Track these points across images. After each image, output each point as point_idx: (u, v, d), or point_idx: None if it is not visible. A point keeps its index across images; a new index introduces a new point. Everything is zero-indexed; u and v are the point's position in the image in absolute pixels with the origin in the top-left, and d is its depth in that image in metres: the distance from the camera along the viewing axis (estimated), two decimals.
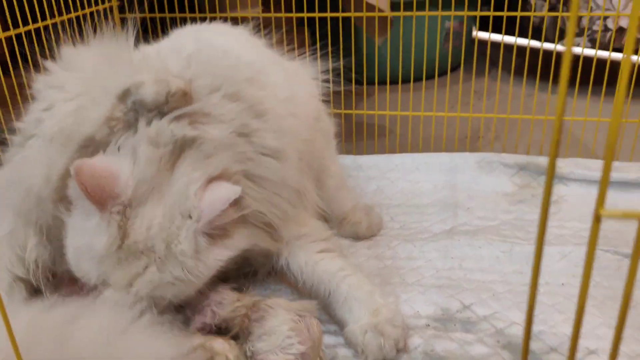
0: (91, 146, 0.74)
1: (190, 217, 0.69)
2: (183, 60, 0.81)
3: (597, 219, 0.32)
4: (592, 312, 0.83)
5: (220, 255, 0.73)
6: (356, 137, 1.38)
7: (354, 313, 0.80)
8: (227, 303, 0.78)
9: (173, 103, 0.72)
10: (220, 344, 0.71)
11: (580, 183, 1.14)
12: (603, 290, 0.88)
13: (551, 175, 0.34)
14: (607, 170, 0.32)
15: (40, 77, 0.85)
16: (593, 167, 1.15)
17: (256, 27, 1.00)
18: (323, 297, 0.84)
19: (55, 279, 0.85)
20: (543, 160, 1.20)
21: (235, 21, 1.11)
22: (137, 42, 0.88)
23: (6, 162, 0.88)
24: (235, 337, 0.76)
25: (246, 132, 0.80)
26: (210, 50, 0.87)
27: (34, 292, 0.85)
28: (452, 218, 1.11)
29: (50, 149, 0.77)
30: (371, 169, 1.28)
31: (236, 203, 0.73)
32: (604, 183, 0.32)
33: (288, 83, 0.92)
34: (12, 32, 1.06)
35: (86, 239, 0.70)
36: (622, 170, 1.14)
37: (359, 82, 1.32)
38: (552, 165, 0.33)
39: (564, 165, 1.17)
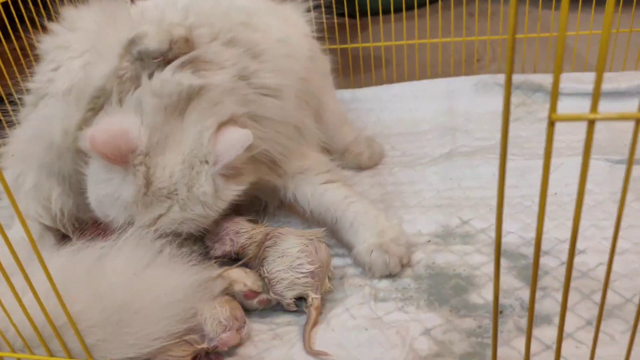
0: (102, 96, 0.78)
1: (207, 162, 0.76)
2: (180, 12, 0.85)
3: (551, 124, 0.36)
4: (583, 216, 0.88)
5: (233, 191, 0.80)
6: (353, 70, 1.40)
7: (360, 235, 0.86)
8: (244, 232, 0.85)
9: (176, 50, 0.76)
10: (237, 273, 0.78)
11: (574, 97, 1.17)
12: (594, 195, 0.93)
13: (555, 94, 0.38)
14: (598, 81, 0.36)
15: (45, 38, 0.89)
16: (586, 80, 1.18)
17: None
18: (331, 224, 0.90)
19: (80, 225, 0.92)
20: (537, 78, 1.22)
21: None
22: None
23: (22, 120, 0.93)
24: (250, 266, 0.83)
25: (246, 74, 0.85)
26: (204, 0, 0.90)
27: (62, 238, 0.92)
28: (450, 141, 1.15)
29: (65, 104, 0.82)
30: (370, 101, 1.32)
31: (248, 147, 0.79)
32: (555, 89, 0.36)
33: (281, 24, 0.95)
34: None
35: (111, 189, 0.76)
36: (614, 80, 1.17)
37: (351, 15, 1.33)
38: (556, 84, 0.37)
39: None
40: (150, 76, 0.77)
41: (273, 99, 0.88)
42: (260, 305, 0.78)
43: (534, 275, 0.45)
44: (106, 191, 0.76)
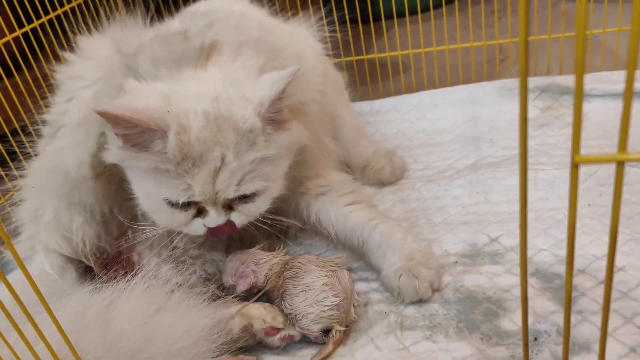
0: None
1: (250, 101, 0.71)
2: (202, 18, 0.83)
3: (574, 166, 0.33)
4: (620, 229, 0.83)
5: (285, 140, 0.75)
6: (371, 80, 1.37)
7: (388, 259, 0.83)
8: (264, 262, 0.83)
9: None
10: (257, 309, 0.76)
11: (604, 98, 1.11)
12: (632, 206, 0.88)
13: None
14: (625, 119, 0.32)
15: (60, 67, 0.89)
16: (616, 79, 1.12)
17: None
18: (357, 247, 0.87)
19: (102, 255, 0.91)
20: (564, 80, 1.17)
21: None
22: (151, 19, 0.91)
23: (40, 152, 0.93)
24: (270, 298, 0.81)
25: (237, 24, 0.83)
26: (222, 14, 0.88)
27: (85, 270, 0.91)
28: (474, 152, 1.10)
29: (77, 133, 0.82)
30: (389, 112, 1.28)
31: (288, 90, 0.73)
32: (577, 128, 0.32)
33: (293, 42, 0.93)
34: (18, 32, 1.08)
35: (156, 162, 0.69)
36: None
37: (365, 21, 1.29)
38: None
39: (585, 81, 1.14)
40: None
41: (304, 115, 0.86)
42: (282, 342, 0.75)
43: (567, 300, 0.41)
44: (151, 166, 0.70)
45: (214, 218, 0.73)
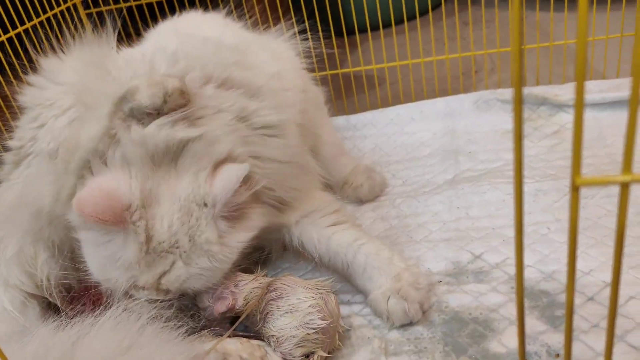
0: (95, 159, 0.72)
1: (205, 205, 0.70)
2: (169, 57, 0.79)
3: (575, 189, 0.30)
4: (605, 242, 0.82)
5: (242, 238, 0.74)
6: (346, 94, 1.34)
7: (375, 281, 0.79)
8: (244, 284, 0.79)
9: (171, 103, 0.70)
10: (232, 344, 0.71)
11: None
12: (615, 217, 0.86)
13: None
14: (630, 139, 0.29)
15: (25, 90, 0.84)
16: (593, 89, 1.11)
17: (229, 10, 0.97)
18: (342, 270, 0.84)
19: (68, 292, 0.86)
20: (541, 90, 1.16)
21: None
22: (119, 38, 0.86)
23: (3, 180, 0.87)
24: (251, 322, 0.77)
25: (245, 114, 0.79)
26: (193, 42, 0.84)
27: (48, 305, 0.85)
28: (453, 166, 1.08)
29: (54, 166, 0.76)
30: (366, 127, 1.25)
31: (247, 181, 0.73)
32: (577, 149, 0.30)
33: (273, 59, 0.89)
34: None
35: (111, 250, 0.70)
36: (622, 87, 1.10)
37: (339, 34, 1.27)
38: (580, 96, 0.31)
39: (562, 92, 1.13)
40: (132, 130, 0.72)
41: (276, 138, 0.82)
42: None
43: (567, 332, 0.38)
44: (106, 253, 0.70)
45: (148, 294, 0.72)
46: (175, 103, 0.70)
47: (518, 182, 0.32)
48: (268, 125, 0.81)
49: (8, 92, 1.09)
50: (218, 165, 0.72)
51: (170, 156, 0.72)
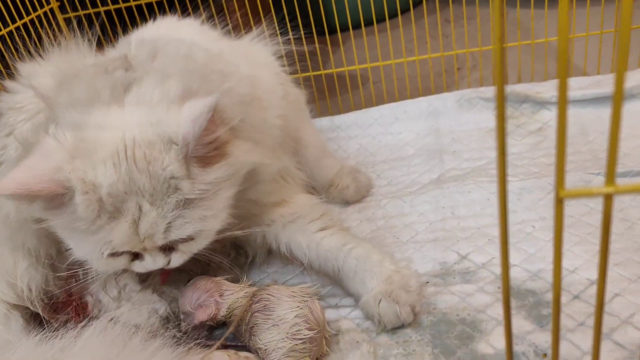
0: None
1: (174, 142, 0.64)
2: (147, 50, 0.76)
3: (559, 201, 0.30)
4: (589, 239, 0.82)
5: (220, 174, 0.68)
6: (329, 95, 1.34)
7: (367, 284, 0.79)
8: (229, 293, 0.78)
9: None
10: (220, 357, 0.71)
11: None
12: (599, 215, 0.87)
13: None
14: (613, 148, 0.30)
15: (2, 96, 0.82)
16: (574, 87, 1.12)
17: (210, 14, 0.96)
18: (333, 275, 0.83)
19: (50, 300, 0.84)
20: (522, 88, 1.16)
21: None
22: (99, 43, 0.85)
23: None
24: (237, 334, 0.76)
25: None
26: (170, 44, 0.80)
27: (32, 316, 0.84)
28: (438, 165, 1.08)
29: None
30: (350, 127, 1.25)
31: (219, 117, 0.67)
32: (560, 161, 0.29)
33: (248, 65, 0.88)
34: None
35: (71, 219, 0.65)
36: (603, 83, 1.11)
37: (321, 34, 1.27)
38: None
39: (544, 89, 1.14)
40: None
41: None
42: None
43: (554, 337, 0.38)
44: (73, 226, 0.65)
45: (150, 262, 0.69)
46: None
47: (502, 179, 0.32)
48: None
49: None
50: (180, 101, 0.66)
51: (114, 96, 0.67)
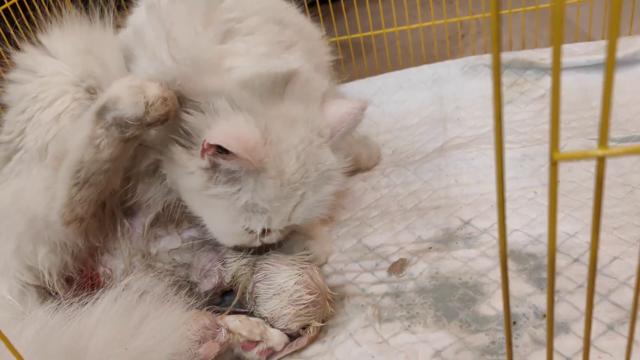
0: (82, 169, 0.70)
1: (321, 135, 0.72)
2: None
3: (553, 164, 0.31)
4: (589, 204, 0.83)
5: (344, 163, 0.77)
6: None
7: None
8: (231, 262, 0.80)
9: (153, 113, 0.67)
10: (232, 323, 0.73)
11: (567, 71, 1.10)
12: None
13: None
14: (605, 113, 0.31)
15: (7, 89, 0.82)
16: (579, 52, 1.12)
17: None
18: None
19: (70, 284, 0.86)
20: (527, 54, 1.16)
21: None
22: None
23: None
24: (242, 304, 0.79)
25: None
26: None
27: (48, 293, 0.85)
28: (442, 134, 1.09)
29: (44, 172, 0.75)
30: (354, 96, 1.25)
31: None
32: (555, 123, 0.31)
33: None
34: None
35: (245, 199, 0.70)
36: (622, 47, 1.08)
37: (323, 2, 1.26)
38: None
39: (548, 55, 1.13)
40: (127, 140, 0.70)
41: None
42: (261, 356, 0.73)
43: (549, 296, 0.40)
44: (240, 203, 0.70)
45: (273, 237, 0.76)
46: (157, 113, 0.67)
47: (499, 140, 0.33)
48: (321, 68, 0.83)
49: None
50: (324, 98, 0.75)
51: (277, 91, 0.72)
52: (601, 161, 0.31)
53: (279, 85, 0.72)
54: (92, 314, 0.63)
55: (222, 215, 0.73)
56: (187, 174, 0.71)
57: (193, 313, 0.71)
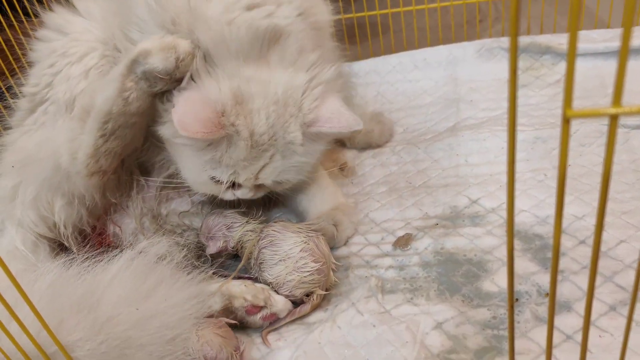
0: (110, 121, 0.72)
1: (300, 110, 0.73)
2: None
3: (566, 121, 0.31)
4: (599, 188, 0.83)
5: (321, 149, 0.79)
6: (349, 41, 1.33)
7: (318, 205, 0.88)
8: (237, 226, 0.82)
9: (183, 68, 0.70)
10: (237, 287, 0.74)
11: (584, 57, 1.09)
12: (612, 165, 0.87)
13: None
14: (621, 70, 0.30)
15: (36, 45, 0.84)
16: (597, 39, 1.10)
17: None
18: (293, 193, 0.89)
19: (83, 237, 0.87)
20: (544, 39, 1.15)
21: None
22: None
23: (16, 126, 0.87)
24: (248, 269, 0.80)
25: (302, 11, 0.80)
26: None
27: (58, 247, 0.87)
28: (455, 114, 1.09)
29: (70, 123, 0.77)
30: (369, 74, 1.25)
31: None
32: (569, 81, 0.31)
33: None
34: None
35: (213, 154, 0.72)
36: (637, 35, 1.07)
37: None
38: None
39: (566, 40, 1.12)
40: (160, 95, 0.73)
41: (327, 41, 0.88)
42: (264, 321, 0.74)
43: (553, 270, 0.40)
44: (208, 157, 0.73)
45: (245, 193, 0.79)
46: (186, 68, 0.70)
47: (512, 113, 0.33)
48: (320, 27, 0.83)
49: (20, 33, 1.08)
50: (328, 92, 0.75)
51: (260, 50, 0.72)
52: (614, 119, 0.31)
53: (262, 44, 0.72)
54: (107, 271, 0.64)
55: (191, 162, 0.76)
56: (161, 123, 0.75)
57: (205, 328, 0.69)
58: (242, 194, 0.79)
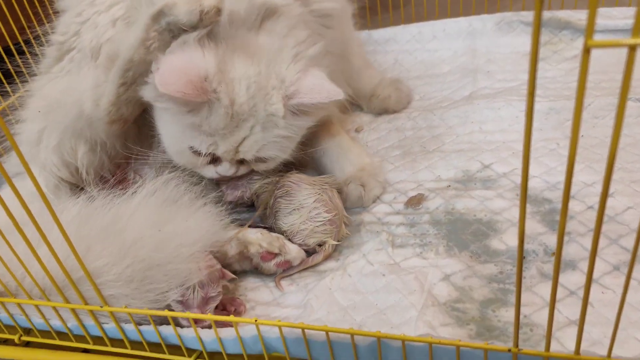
0: (132, 69, 0.73)
1: (283, 82, 0.73)
2: None
3: (586, 51, 0.33)
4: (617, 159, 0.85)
5: (303, 124, 0.78)
6: (370, 11, 1.34)
7: (344, 169, 0.89)
8: (257, 179, 0.84)
9: (206, 21, 0.70)
10: (253, 234, 0.77)
11: (603, 34, 1.10)
12: (624, 137, 0.89)
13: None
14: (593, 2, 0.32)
15: None
16: (617, 15, 1.11)
17: None
18: (317, 157, 0.91)
19: (103, 182, 0.90)
20: (564, 14, 1.15)
21: None
22: None
23: (43, 73, 0.90)
24: (263, 219, 0.82)
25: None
26: None
27: (78, 190, 0.90)
28: (471, 83, 1.10)
29: (95, 70, 0.78)
30: (388, 42, 1.27)
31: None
32: (592, 11, 0.32)
33: None
34: None
35: (193, 119, 0.72)
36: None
37: None
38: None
39: (585, 16, 1.13)
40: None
41: (330, 30, 0.88)
42: (278, 268, 0.77)
43: (561, 224, 0.42)
44: (188, 122, 0.72)
45: (226, 169, 0.78)
46: (210, 21, 0.70)
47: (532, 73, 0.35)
48: (323, 12, 0.84)
49: None
50: (310, 64, 0.76)
51: (250, 25, 0.74)
52: (632, 50, 0.32)
53: (256, 18, 0.73)
54: (131, 201, 0.67)
55: (171, 128, 0.76)
56: (144, 83, 0.74)
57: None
58: (223, 169, 0.78)
